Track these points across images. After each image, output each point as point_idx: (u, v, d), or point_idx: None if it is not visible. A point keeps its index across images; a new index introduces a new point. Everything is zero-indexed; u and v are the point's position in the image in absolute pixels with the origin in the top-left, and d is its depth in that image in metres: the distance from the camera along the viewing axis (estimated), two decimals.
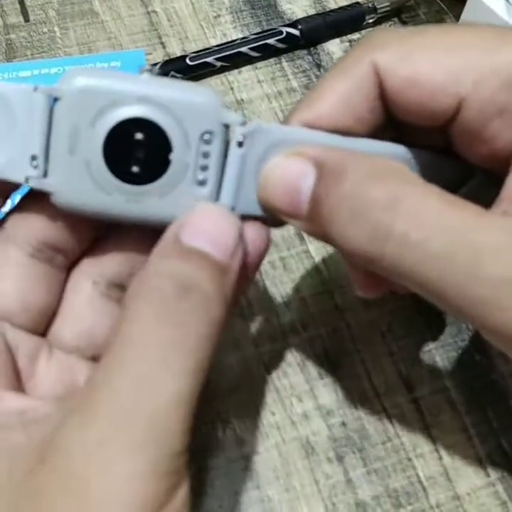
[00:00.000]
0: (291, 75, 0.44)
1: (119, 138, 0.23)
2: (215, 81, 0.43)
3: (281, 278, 0.37)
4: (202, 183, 0.24)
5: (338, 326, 0.36)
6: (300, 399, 0.34)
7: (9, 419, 0.21)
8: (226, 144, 0.24)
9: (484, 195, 0.24)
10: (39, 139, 0.24)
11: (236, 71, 0.44)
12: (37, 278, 0.25)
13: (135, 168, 0.24)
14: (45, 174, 0.24)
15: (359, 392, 0.35)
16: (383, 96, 0.25)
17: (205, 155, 0.24)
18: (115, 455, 0.19)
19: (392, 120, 0.26)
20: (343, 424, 0.34)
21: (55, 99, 0.23)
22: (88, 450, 0.19)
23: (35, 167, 0.24)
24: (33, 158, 0.24)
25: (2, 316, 0.24)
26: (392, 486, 0.33)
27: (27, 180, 0.24)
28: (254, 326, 0.36)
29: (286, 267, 0.38)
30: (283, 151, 0.24)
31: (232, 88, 0.43)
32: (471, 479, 0.33)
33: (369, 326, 0.36)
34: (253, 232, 0.25)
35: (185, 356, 0.20)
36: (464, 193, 0.25)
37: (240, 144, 0.24)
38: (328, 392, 0.35)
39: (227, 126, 0.24)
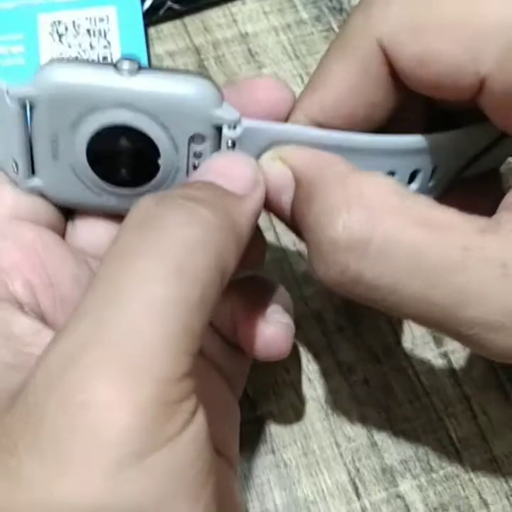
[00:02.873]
0: (300, 5, 0.40)
1: (102, 144, 0.22)
2: (216, 13, 0.39)
3: None
4: None
5: None
6: (317, 355, 0.31)
7: None
8: (219, 142, 0.22)
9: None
10: (18, 143, 0.22)
11: (239, 2, 0.40)
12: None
13: (123, 173, 0.23)
14: (30, 175, 0.23)
15: (383, 347, 0.31)
16: (395, 74, 0.22)
17: (198, 155, 0.23)
18: (85, 380, 0.16)
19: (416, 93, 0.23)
20: (366, 381, 0.31)
21: (30, 104, 0.22)
22: (52, 372, 0.16)
23: (16, 172, 0.23)
24: (14, 162, 0.23)
25: None
26: (422, 449, 0.29)
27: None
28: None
29: None
30: (267, 153, 0.22)
31: (235, 20, 0.39)
32: (509, 440, 0.30)
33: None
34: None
35: (163, 262, 0.17)
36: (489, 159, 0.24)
37: (233, 145, 0.22)
38: (348, 347, 0.31)
39: (219, 127, 0.22)
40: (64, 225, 0.25)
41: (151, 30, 0.38)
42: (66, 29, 0.36)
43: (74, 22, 0.36)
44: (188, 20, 0.39)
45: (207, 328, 0.18)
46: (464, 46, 0.20)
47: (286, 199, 0.22)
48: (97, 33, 0.36)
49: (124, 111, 0.22)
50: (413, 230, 0.19)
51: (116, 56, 0.36)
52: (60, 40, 0.36)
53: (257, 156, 0.23)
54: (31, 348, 0.20)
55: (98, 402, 0.16)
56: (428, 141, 0.23)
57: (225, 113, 0.22)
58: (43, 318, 0.22)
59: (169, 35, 0.39)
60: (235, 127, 0.22)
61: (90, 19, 0.36)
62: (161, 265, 0.17)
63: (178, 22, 0.38)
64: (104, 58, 0.35)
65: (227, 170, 0.21)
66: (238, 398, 0.27)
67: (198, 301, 0.17)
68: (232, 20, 0.39)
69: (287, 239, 0.34)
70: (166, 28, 0.38)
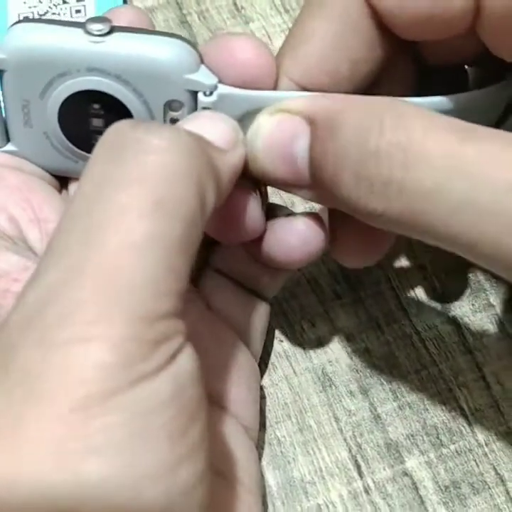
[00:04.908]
0: None
1: (74, 110, 0.21)
2: None
3: None
4: None
5: None
6: (313, 323, 0.28)
7: None
8: (195, 108, 0.21)
9: None
10: None
11: None
12: None
13: (98, 139, 0.21)
14: (4, 141, 0.23)
15: (384, 313, 0.28)
16: (381, 22, 0.21)
17: (174, 121, 0.21)
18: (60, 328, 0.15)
19: (403, 44, 0.21)
20: (367, 350, 0.28)
21: (1, 71, 0.21)
22: (29, 310, 0.16)
23: None
24: None
25: None
26: (431, 422, 0.27)
27: None
28: None
29: None
30: (264, 110, 0.21)
31: None
32: None
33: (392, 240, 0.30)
34: None
35: (142, 194, 0.16)
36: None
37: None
38: (346, 314, 0.28)
39: (195, 92, 0.21)
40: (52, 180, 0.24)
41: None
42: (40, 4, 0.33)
43: None
44: None
45: (190, 267, 0.17)
46: None
47: (301, 145, 0.20)
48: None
49: (94, 76, 0.21)
50: (446, 134, 0.18)
51: (90, 11, 0.33)
52: None
53: (239, 122, 0.21)
54: (20, 286, 0.19)
55: (73, 339, 0.15)
56: (450, 101, 0.22)
57: (202, 78, 0.21)
58: (31, 255, 0.21)
59: None
60: (211, 93, 0.21)
61: None
62: (140, 198, 0.16)
63: None
64: (78, 11, 0.33)
65: (208, 124, 0.20)
66: (257, 359, 0.25)
67: (180, 237, 0.16)
68: None
69: (278, 199, 0.31)
70: None
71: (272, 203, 0.25)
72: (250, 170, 0.21)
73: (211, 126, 0.20)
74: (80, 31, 0.20)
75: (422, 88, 0.24)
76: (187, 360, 0.17)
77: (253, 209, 0.22)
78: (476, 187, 0.17)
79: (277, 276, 0.25)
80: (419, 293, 0.29)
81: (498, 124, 0.24)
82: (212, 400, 0.22)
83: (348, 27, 0.21)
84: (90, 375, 0.15)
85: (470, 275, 0.29)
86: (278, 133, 0.20)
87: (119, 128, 0.18)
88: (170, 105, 0.21)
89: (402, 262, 0.30)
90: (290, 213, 0.24)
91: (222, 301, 0.25)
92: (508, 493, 0.25)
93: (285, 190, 0.22)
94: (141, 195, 0.16)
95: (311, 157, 0.20)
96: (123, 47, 0.20)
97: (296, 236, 0.22)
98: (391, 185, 0.18)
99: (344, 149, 0.19)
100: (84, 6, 0.33)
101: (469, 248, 0.17)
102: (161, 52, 0.20)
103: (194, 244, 0.17)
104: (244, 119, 0.21)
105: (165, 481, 0.15)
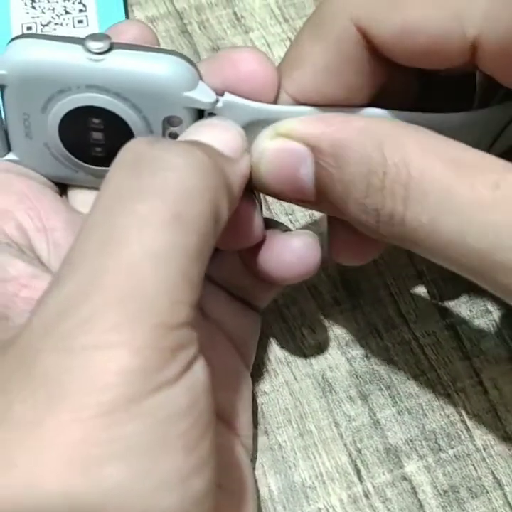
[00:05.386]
0: None
1: (75, 124, 0.21)
2: None
3: None
4: None
5: None
6: (313, 329, 0.29)
7: None
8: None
9: None
10: None
11: None
12: None
13: (98, 152, 0.22)
14: (5, 151, 0.23)
15: (384, 320, 0.29)
16: (376, 52, 0.21)
17: (174, 135, 0.22)
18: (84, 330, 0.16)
19: (402, 66, 0.21)
20: (366, 356, 0.28)
21: (1, 85, 0.21)
22: (49, 317, 0.16)
23: None
24: None
25: None
26: (429, 427, 0.27)
27: None
28: None
29: None
30: (264, 132, 0.21)
31: None
32: None
33: (392, 244, 0.30)
34: None
35: (162, 207, 0.17)
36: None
37: None
38: (346, 321, 0.29)
39: (194, 109, 0.21)
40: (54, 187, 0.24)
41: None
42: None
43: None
44: None
45: (203, 280, 0.18)
46: (447, 9, 0.19)
47: (305, 171, 0.21)
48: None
49: (94, 93, 0.21)
50: (443, 169, 0.18)
51: (92, 21, 0.34)
52: (33, 5, 0.33)
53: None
54: (28, 291, 0.20)
55: (96, 345, 0.15)
56: (450, 119, 0.22)
57: (200, 95, 0.21)
58: (38, 264, 0.22)
59: (153, 5, 0.36)
60: (210, 114, 0.21)
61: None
62: (160, 210, 0.17)
63: None
64: (80, 22, 0.33)
65: (217, 133, 0.20)
66: (249, 368, 0.26)
67: (196, 250, 0.17)
68: None
69: (277, 206, 0.31)
70: None
71: (270, 219, 0.25)
72: (253, 182, 0.22)
73: (220, 135, 0.20)
74: (79, 48, 0.21)
75: (422, 98, 0.24)
76: (201, 370, 0.17)
77: (253, 215, 0.22)
78: (464, 225, 0.18)
79: (271, 289, 0.25)
80: (418, 299, 0.29)
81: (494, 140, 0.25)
82: None
83: (342, 56, 0.21)
84: (113, 380, 0.15)
85: (468, 282, 0.29)
86: (281, 159, 0.21)
87: (136, 145, 0.18)
88: (169, 120, 0.21)
89: (401, 269, 0.30)
90: (287, 230, 0.24)
91: (215, 309, 0.25)
92: (505, 497, 0.26)
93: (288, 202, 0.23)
94: (160, 208, 0.17)
95: (317, 182, 0.21)
96: (122, 65, 0.21)
97: (291, 253, 0.23)
98: (394, 218, 0.19)
99: (351, 180, 0.19)
100: (86, 16, 0.33)
101: (461, 272, 0.19)
102: (159, 70, 0.21)
103: (208, 256, 0.18)
104: (248, 128, 0.21)
105: (179, 490, 0.16)
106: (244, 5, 0.36)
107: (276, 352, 0.28)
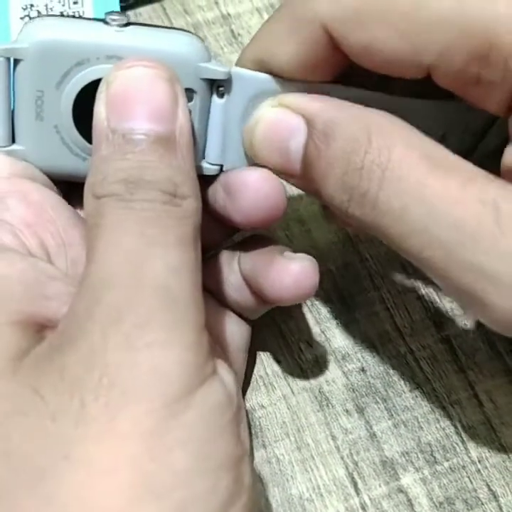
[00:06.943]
0: None
1: (90, 101, 0.21)
2: None
3: None
4: None
5: (351, 260, 0.31)
6: (310, 343, 0.29)
7: None
8: (208, 98, 0.23)
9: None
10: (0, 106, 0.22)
11: None
12: None
13: None
14: (9, 140, 0.23)
15: (379, 333, 0.29)
16: (343, 52, 0.22)
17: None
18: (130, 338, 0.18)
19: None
20: (363, 370, 0.29)
21: (15, 61, 0.21)
22: (103, 322, 0.18)
23: None
24: None
25: None
26: (425, 440, 0.27)
27: None
28: None
29: (287, 192, 0.32)
30: (267, 101, 0.23)
31: (216, 2, 0.37)
32: None
33: (387, 259, 0.31)
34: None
35: (164, 230, 0.19)
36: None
37: (222, 95, 0.23)
38: (342, 335, 0.29)
39: (207, 80, 0.22)
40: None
41: (130, 14, 0.37)
42: (38, 13, 0.34)
43: (46, 5, 0.34)
44: (167, 3, 0.37)
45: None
46: (406, 39, 0.20)
47: (295, 143, 0.22)
48: (70, 16, 0.34)
49: (112, 65, 0.21)
50: (421, 162, 0.20)
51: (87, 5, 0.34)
52: None
53: (247, 109, 0.23)
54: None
55: (154, 343, 0.18)
56: (413, 104, 0.23)
57: (215, 65, 0.22)
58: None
59: (148, 19, 0.37)
60: (222, 95, 0.23)
61: (63, 2, 0.34)
62: (167, 237, 0.19)
63: (156, 5, 0.37)
64: (75, 3, 0.34)
65: (142, 101, 0.21)
66: (240, 377, 0.26)
67: (195, 263, 0.20)
68: (214, 2, 0.37)
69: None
70: (145, 11, 0.37)
71: (268, 238, 0.26)
72: (244, 145, 0.23)
73: (142, 102, 0.20)
74: (99, 23, 0.22)
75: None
76: (227, 369, 0.19)
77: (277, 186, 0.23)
78: (432, 216, 0.19)
79: (265, 305, 0.26)
80: (413, 313, 0.30)
81: (476, 144, 0.25)
82: None
83: (312, 55, 0.22)
84: (175, 373, 0.17)
85: None
86: (277, 126, 0.22)
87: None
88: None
89: (396, 283, 0.30)
90: (285, 250, 0.25)
91: (207, 318, 0.25)
92: (500, 508, 0.26)
93: (274, 173, 0.23)
94: (167, 235, 0.19)
95: (305, 155, 0.22)
96: (141, 36, 0.22)
97: (289, 277, 0.24)
98: (367, 197, 0.20)
99: (335, 157, 0.21)
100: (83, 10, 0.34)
101: (421, 265, 0.20)
102: (177, 41, 0.22)
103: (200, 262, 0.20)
104: (255, 99, 0.23)
105: (233, 473, 0.18)
106: (241, 23, 0.37)
107: (273, 366, 0.28)
